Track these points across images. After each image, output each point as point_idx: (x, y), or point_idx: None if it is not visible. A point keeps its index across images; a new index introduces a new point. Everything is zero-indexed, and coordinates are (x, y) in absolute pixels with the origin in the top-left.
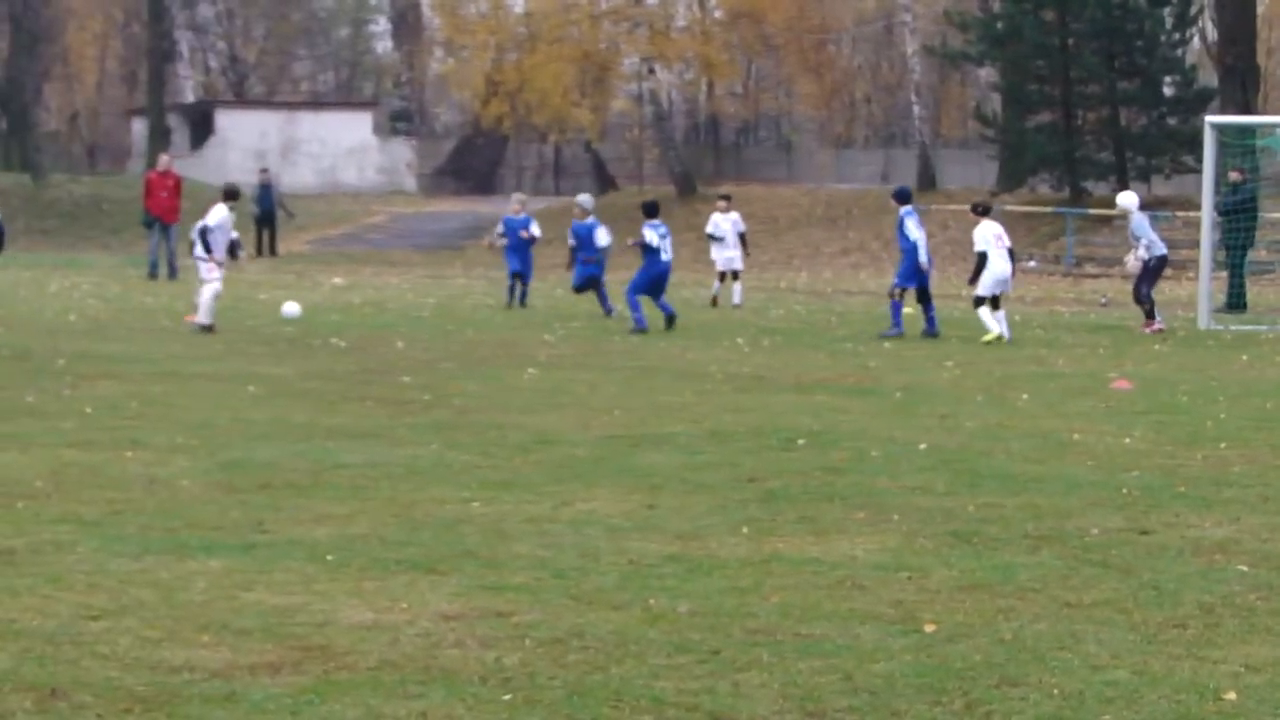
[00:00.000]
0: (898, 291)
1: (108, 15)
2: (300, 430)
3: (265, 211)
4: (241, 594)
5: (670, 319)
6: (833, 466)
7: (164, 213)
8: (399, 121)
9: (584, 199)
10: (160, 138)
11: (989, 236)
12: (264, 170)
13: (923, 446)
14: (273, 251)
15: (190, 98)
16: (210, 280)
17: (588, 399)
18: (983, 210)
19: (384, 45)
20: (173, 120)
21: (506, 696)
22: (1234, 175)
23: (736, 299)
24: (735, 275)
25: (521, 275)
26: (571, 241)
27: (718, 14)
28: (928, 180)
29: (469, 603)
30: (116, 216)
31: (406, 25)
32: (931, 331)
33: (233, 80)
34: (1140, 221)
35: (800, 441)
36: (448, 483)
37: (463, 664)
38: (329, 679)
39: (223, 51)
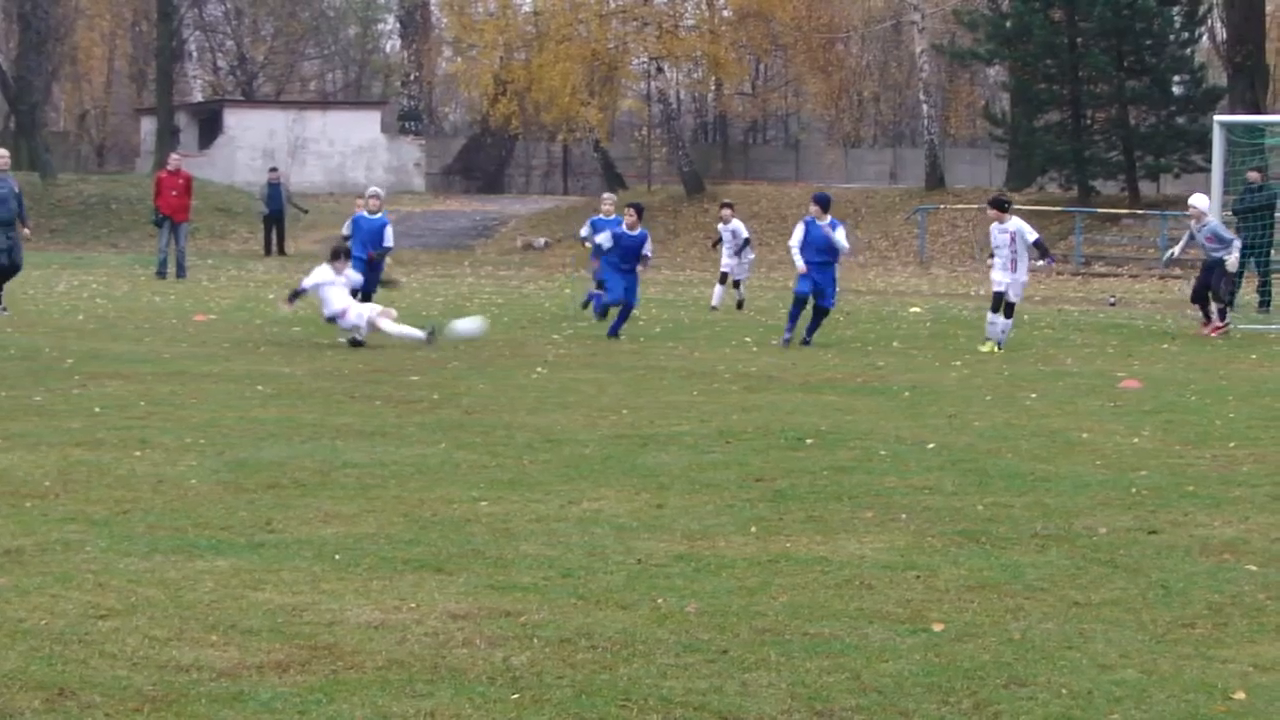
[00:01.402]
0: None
1: (116, 14)
2: (308, 429)
3: (275, 211)
4: (249, 593)
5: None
6: (841, 466)
7: (174, 211)
8: (407, 121)
9: (608, 196)
10: (169, 137)
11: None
12: (273, 170)
13: (931, 446)
14: (281, 250)
15: (199, 97)
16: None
17: (595, 398)
18: (1003, 206)
19: (392, 44)
20: (182, 119)
21: (515, 696)
22: (1251, 175)
23: (715, 301)
24: (735, 283)
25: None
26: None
27: (726, 13)
28: (936, 179)
29: (477, 602)
30: (125, 215)
31: (414, 24)
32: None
33: (241, 79)
34: (1216, 223)
35: (808, 441)
36: (455, 482)
37: (471, 663)
38: (337, 678)
39: (231, 50)
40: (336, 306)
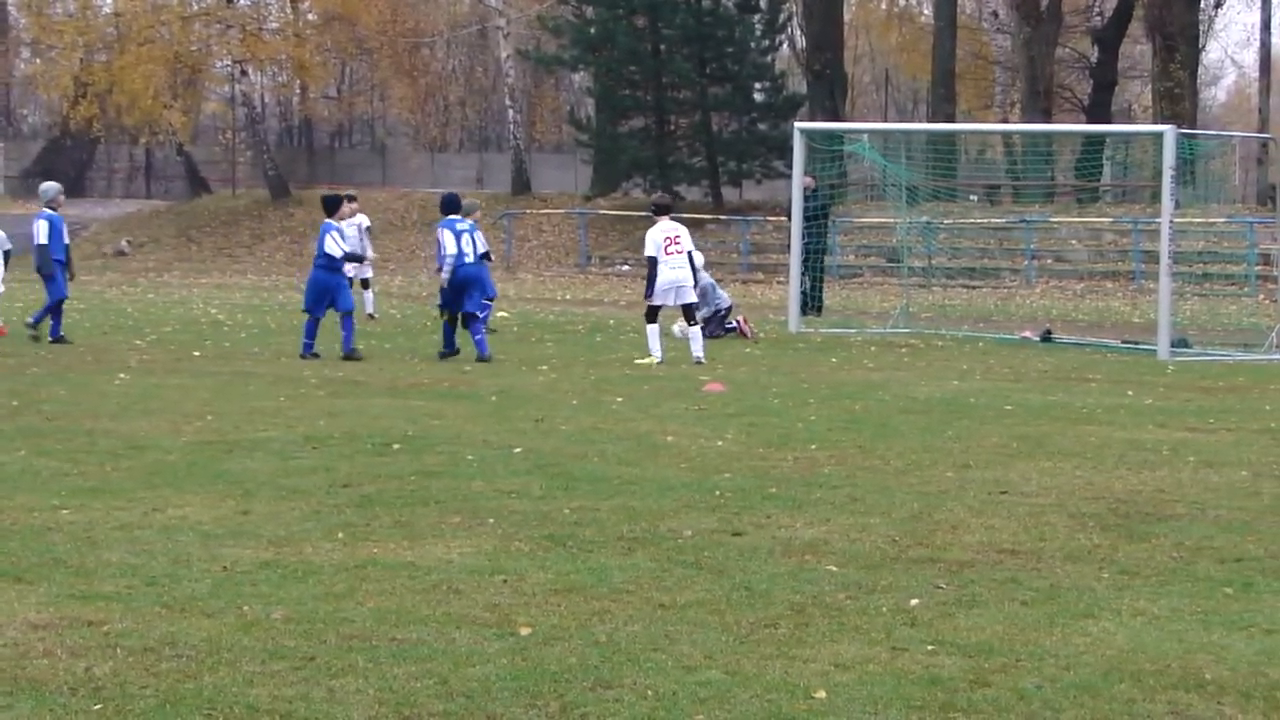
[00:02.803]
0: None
1: None
2: None
3: None
4: None
5: (481, 357)
6: (428, 470)
7: None
8: None
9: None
10: None
11: (658, 240)
12: None
13: (518, 450)
14: None
15: None
16: None
17: (180, 404)
18: (661, 209)
19: None
20: None
21: (97, 707)
22: (805, 181)
23: (369, 309)
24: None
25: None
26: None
27: (310, 16)
28: (522, 184)
29: (58, 611)
30: None
31: None
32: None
33: None
34: None
35: (395, 446)
36: (35, 490)
37: (52, 674)
38: None
39: None
40: None
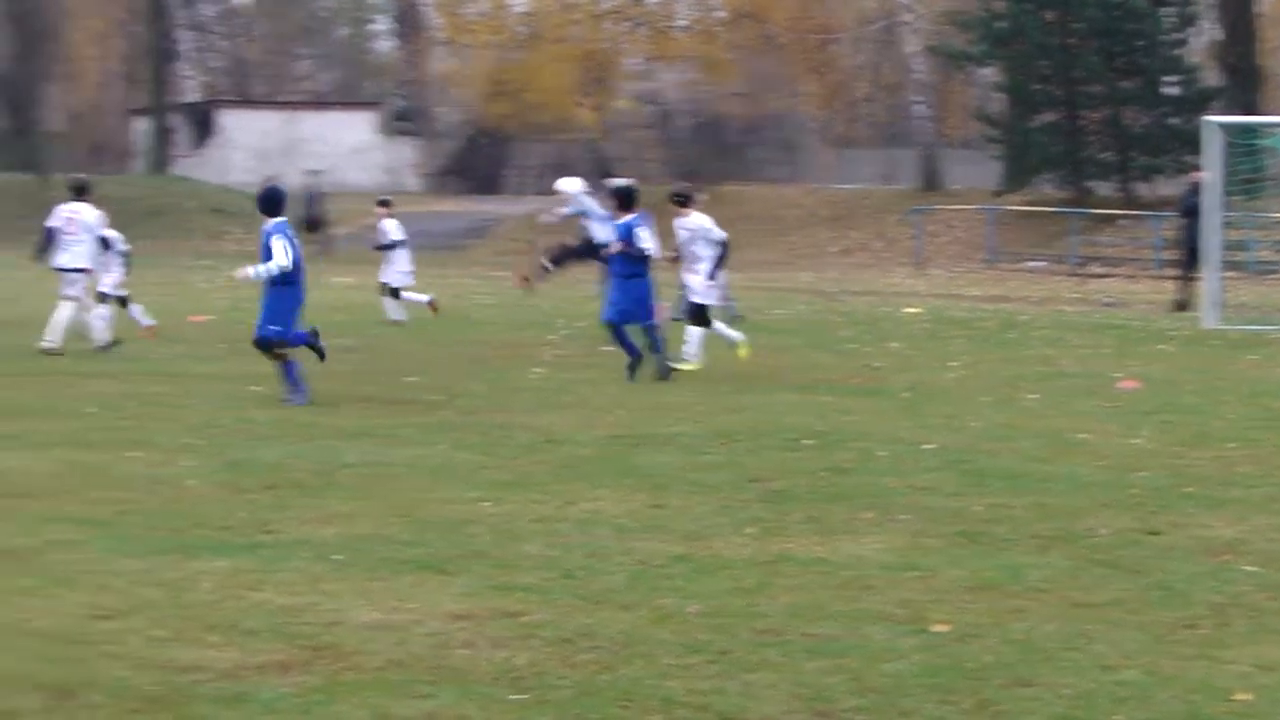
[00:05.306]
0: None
1: (109, 14)
2: (305, 430)
3: (312, 217)
4: (249, 594)
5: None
6: (838, 467)
7: None
8: (402, 121)
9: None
10: (163, 137)
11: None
12: (310, 173)
13: (929, 447)
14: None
15: (192, 97)
16: None
17: (591, 399)
18: (683, 200)
19: (385, 44)
20: (175, 120)
21: (516, 696)
22: (1198, 176)
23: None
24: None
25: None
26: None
27: (720, 14)
28: (932, 180)
29: (478, 602)
30: (120, 215)
31: (408, 24)
32: None
33: (235, 80)
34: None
35: (805, 442)
36: (454, 482)
37: (472, 664)
38: (338, 679)
39: (224, 50)
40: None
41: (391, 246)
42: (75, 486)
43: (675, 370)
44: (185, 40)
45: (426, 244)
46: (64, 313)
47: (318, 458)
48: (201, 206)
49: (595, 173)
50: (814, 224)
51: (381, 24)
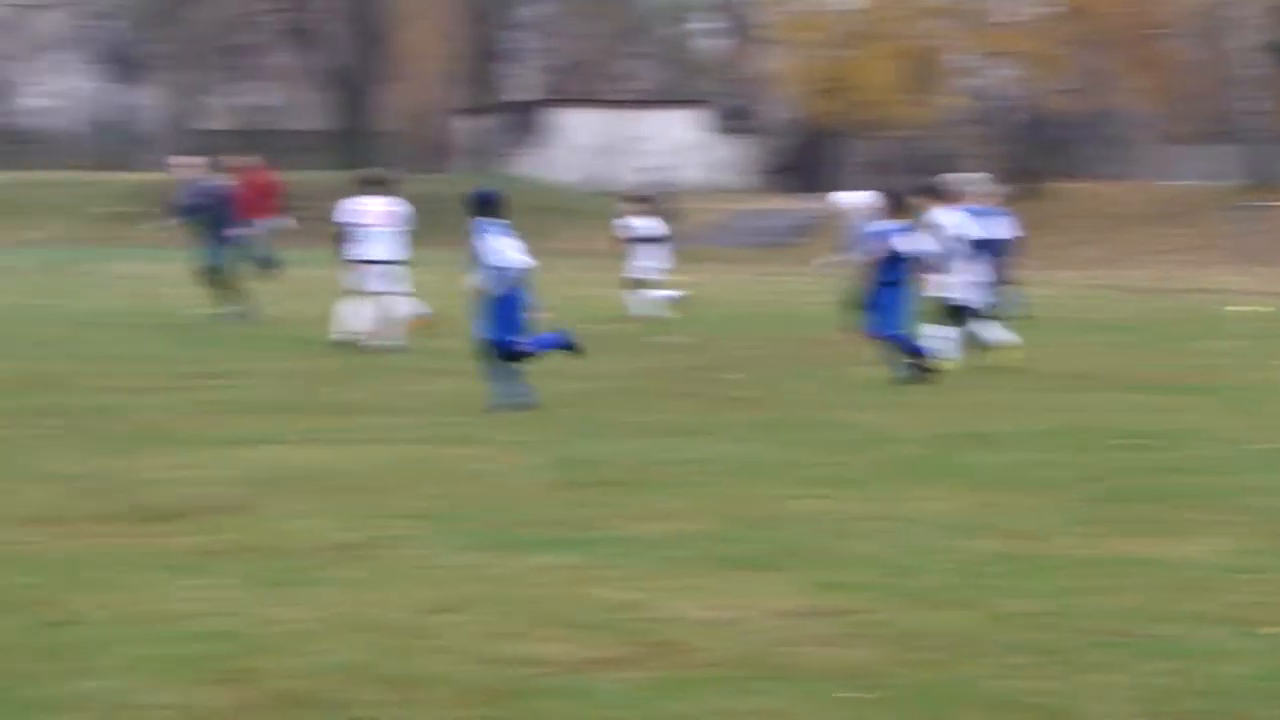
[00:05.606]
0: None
1: (444, 14)
2: (631, 427)
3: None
4: (582, 589)
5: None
6: (1168, 466)
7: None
8: (731, 119)
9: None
10: (491, 136)
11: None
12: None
13: (1261, 447)
14: None
15: (520, 96)
16: None
17: (915, 396)
18: (931, 196)
19: (712, 43)
20: (502, 119)
21: (849, 694)
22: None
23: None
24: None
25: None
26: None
27: (1050, 9)
28: (1261, 177)
29: (806, 600)
30: (440, 213)
31: (736, 23)
32: None
33: (561, 79)
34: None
35: (1134, 441)
36: (779, 479)
37: (804, 661)
38: (675, 675)
39: (552, 50)
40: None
41: (650, 241)
42: (410, 482)
43: (931, 372)
44: (514, 40)
45: (756, 241)
46: (366, 309)
47: (643, 454)
48: (525, 205)
49: (921, 171)
50: (1141, 221)
51: (701, 23)
